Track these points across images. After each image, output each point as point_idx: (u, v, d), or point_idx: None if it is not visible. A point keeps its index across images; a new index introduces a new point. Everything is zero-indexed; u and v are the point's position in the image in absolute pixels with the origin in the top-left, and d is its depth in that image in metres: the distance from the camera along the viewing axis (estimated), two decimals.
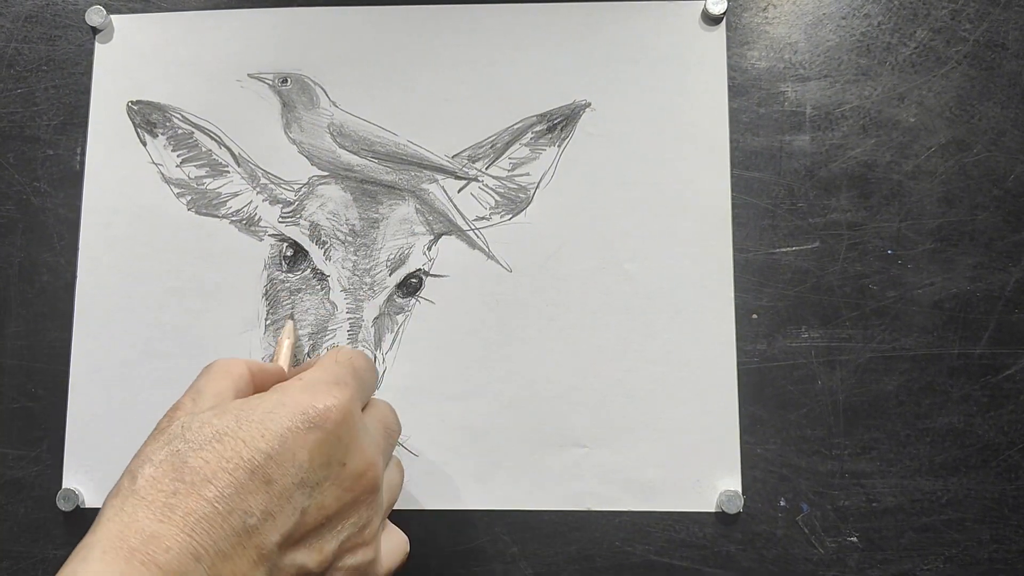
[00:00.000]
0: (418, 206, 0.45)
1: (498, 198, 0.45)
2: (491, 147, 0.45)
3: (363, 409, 0.34)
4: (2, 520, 0.44)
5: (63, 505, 0.43)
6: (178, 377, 0.44)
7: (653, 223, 0.44)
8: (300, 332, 0.44)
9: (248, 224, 0.45)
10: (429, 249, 0.45)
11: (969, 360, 0.43)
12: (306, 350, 0.44)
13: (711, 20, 0.45)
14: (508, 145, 0.45)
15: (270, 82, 0.46)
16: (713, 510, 0.43)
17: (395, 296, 0.44)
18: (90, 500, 0.44)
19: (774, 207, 0.44)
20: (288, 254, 0.45)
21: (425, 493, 0.43)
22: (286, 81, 0.46)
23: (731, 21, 0.46)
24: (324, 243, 0.45)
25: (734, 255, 0.44)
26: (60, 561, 0.27)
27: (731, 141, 0.45)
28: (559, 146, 0.45)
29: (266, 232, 0.45)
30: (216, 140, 0.46)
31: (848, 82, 0.45)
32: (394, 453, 0.36)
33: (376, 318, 0.44)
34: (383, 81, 0.46)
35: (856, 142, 0.45)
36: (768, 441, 0.43)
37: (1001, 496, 0.42)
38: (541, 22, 0.46)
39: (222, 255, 0.45)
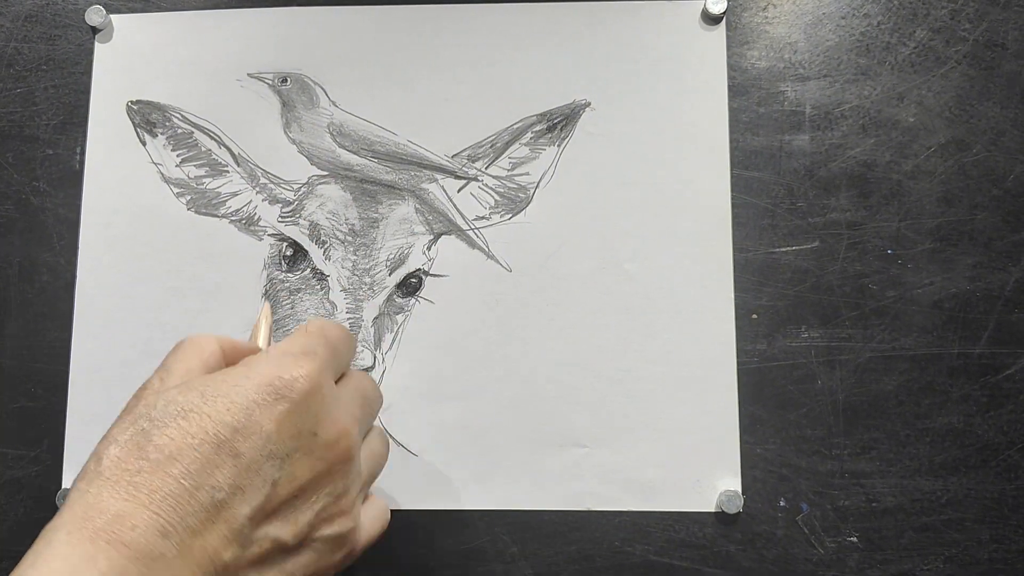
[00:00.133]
0: (418, 206, 0.45)
1: (498, 198, 0.45)
2: (491, 147, 0.45)
3: (340, 379, 0.33)
4: (2, 520, 0.44)
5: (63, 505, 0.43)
6: None
7: (653, 223, 0.44)
8: None
9: (248, 224, 0.45)
10: (429, 249, 0.45)
11: (969, 360, 0.43)
12: None
13: (711, 20, 0.45)
14: (508, 145, 0.45)
15: (270, 82, 0.46)
16: (713, 510, 0.43)
17: (395, 296, 0.44)
18: None
19: (774, 207, 0.44)
20: (288, 254, 0.45)
21: (425, 493, 0.43)
22: (286, 81, 0.46)
23: (731, 21, 0.46)
24: (324, 243, 0.45)
25: (734, 255, 0.44)
26: None
27: (731, 141, 0.45)
28: (559, 146, 0.45)
29: (266, 232, 0.45)
30: (216, 140, 0.46)
31: (848, 82, 0.45)
32: (390, 445, 0.36)
33: (376, 318, 0.44)
34: (383, 81, 0.46)
35: (856, 142, 0.45)
36: (768, 441, 0.43)
37: (1001, 496, 0.42)
38: (541, 22, 0.46)
39: (222, 255, 0.45)
